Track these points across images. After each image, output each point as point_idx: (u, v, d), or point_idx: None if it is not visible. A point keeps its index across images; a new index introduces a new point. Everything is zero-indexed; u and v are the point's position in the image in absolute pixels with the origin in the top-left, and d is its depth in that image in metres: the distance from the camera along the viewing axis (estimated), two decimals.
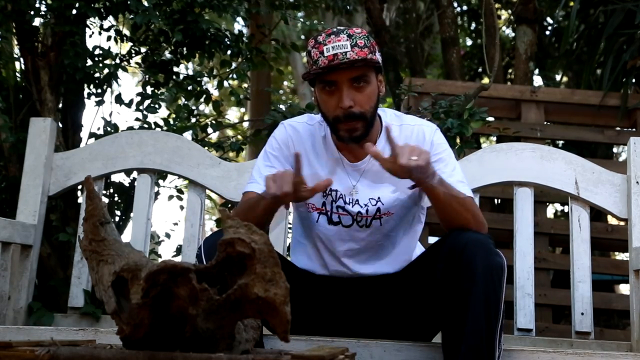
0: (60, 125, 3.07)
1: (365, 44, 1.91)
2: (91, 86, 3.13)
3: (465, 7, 7.17)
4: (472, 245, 1.77)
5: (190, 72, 6.07)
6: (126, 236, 2.97)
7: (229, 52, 3.32)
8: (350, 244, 2.06)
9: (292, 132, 2.12)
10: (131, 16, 3.07)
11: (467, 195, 1.96)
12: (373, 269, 2.08)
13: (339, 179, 2.05)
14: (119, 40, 3.21)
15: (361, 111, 1.93)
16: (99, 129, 3.12)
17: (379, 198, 2.04)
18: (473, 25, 7.19)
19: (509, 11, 6.49)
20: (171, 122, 3.21)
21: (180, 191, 3.40)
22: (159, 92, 3.22)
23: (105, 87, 3.14)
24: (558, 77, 6.84)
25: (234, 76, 3.39)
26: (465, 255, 1.76)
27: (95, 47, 3.12)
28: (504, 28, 6.80)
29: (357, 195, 2.04)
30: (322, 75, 1.93)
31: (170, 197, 3.40)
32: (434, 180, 1.85)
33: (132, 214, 2.66)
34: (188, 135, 3.22)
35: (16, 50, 3.22)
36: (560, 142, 5.05)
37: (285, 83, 13.40)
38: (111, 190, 3.08)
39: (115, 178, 3.08)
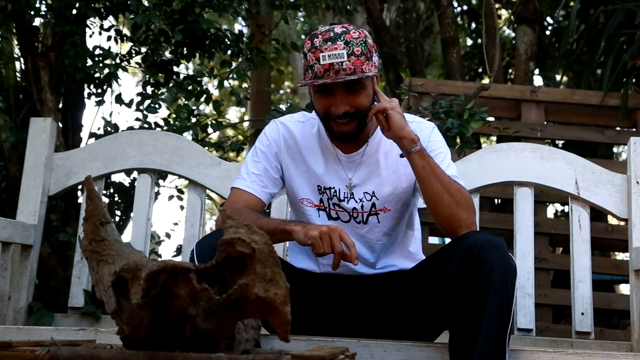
0: (60, 125, 3.07)
1: (362, 52, 1.88)
2: (91, 86, 3.13)
3: (465, 7, 7.18)
4: (488, 247, 1.77)
5: (191, 72, 6.08)
6: (126, 236, 2.97)
7: (229, 52, 3.32)
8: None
9: (284, 130, 2.13)
10: (131, 16, 3.07)
11: (459, 182, 1.96)
12: (375, 267, 2.09)
13: (334, 172, 2.06)
14: (119, 40, 3.21)
15: (356, 110, 1.94)
16: (99, 129, 3.13)
17: (373, 192, 2.05)
18: (473, 25, 7.19)
19: (509, 11, 6.50)
20: (171, 122, 3.21)
21: (180, 191, 3.40)
22: (159, 92, 3.22)
23: (105, 87, 3.14)
24: (558, 77, 6.84)
25: (234, 76, 3.39)
26: (481, 257, 1.75)
27: (95, 47, 3.12)
28: (504, 28, 6.80)
29: (354, 189, 2.05)
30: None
31: (170, 197, 3.41)
32: (416, 148, 1.89)
33: (132, 214, 2.66)
34: (188, 135, 3.22)
35: (16, 50, 3.21)
36: (560, 142, 5.05)
37: (286, 83, 13.39)
38: (111, 190, 3.08)
39: (115, 178, 3.08)
